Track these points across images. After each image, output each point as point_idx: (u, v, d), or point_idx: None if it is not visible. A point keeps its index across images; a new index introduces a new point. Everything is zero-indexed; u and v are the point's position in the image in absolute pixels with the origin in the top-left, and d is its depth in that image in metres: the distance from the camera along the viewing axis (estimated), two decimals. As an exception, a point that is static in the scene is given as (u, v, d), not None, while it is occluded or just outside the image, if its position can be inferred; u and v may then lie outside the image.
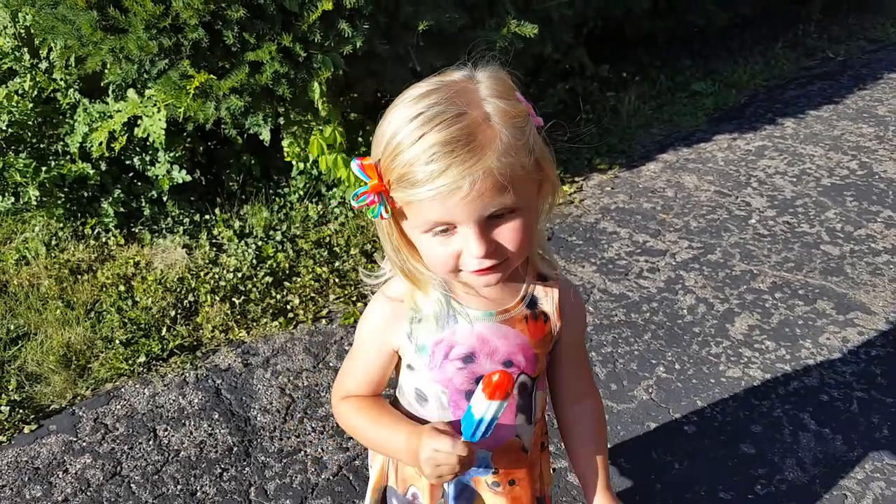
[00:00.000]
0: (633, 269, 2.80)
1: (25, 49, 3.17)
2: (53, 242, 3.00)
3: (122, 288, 2.72)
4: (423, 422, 1.09)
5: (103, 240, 3.04)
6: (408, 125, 0.87)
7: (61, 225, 3.06)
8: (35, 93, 3.09)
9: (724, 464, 1.96)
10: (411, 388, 1.12)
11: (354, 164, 0.90)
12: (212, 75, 2.51)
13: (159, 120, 2.82)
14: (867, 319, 2.47)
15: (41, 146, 3.09)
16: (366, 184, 0.89)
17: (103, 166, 3.04)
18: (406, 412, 1.15)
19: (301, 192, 3.27)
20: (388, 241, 0.99)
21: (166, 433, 2.14)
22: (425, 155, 0.84)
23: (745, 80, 4.66)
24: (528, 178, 0.90)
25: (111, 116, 3.00)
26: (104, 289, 2.74)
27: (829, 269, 2.74)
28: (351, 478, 1.96)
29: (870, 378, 2.22)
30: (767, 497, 1.86)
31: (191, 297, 2.67)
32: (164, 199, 3.13)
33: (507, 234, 0.91)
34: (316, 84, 2.58)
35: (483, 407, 0.95)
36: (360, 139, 3.13)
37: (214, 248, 2.95)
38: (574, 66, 4.20)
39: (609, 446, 2.02)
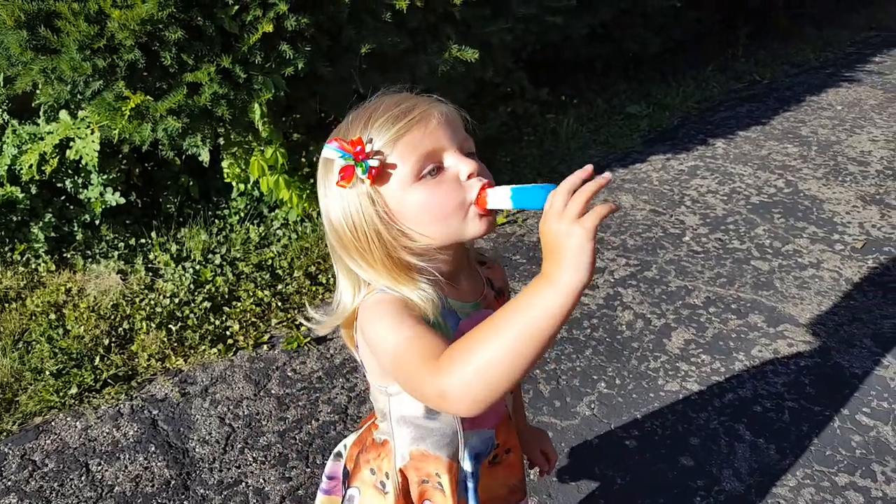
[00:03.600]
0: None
1: (-51, 69, 3.05)
2: (-21, 269, 2.88)
3: (52, 316, 2.63)
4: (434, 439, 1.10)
5: (33, 266, 2.93)
6: (359, 113, 0.98)
7: (-12, 251, 2.95)
8: (-41, 114, 2.98)
9: (665, 477, 2.00)
10: (419, 409, 1.07)
11: (332, 146, 0.94)
12: (148, 96, 2.46)
13: (92, 142, 2.75)
14: (796, 331, 2.56)
15: (-34, 169, 2.98)
16: (347, 152, 0.93)
17: (33, 189, 2.94)
18: (409, 438, 1.11)
19: (242, 214, 3.23)
20: (376, 220, 0.95)
21: (99, 468, 2.06)
22: (393, 103, 0.96)
23: (677, 102, 4.83)
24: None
25: (42, 138, 2.91)
26: (34, 317, 2.64)
27: (760, 283, 2.85)
28: (295, 505, 1.93)
29: (799, 388, 2.30)
30: (706, 508, 1.91)
31: (125, 325, 2.59)
32: (98, 222, 3.04)
33: (482, 166, 0.98)
34: (256, 105, 2.56)
35: (498, 198, 0.93)
36: (303, 160, 3.11)
37: (150, 273, 2.87)
38: (514, 90, 4.28)
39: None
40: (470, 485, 1.15)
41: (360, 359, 1.08)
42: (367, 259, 0.99)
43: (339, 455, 1.30)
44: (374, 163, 0.92)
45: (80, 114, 2.83)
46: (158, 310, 2.63)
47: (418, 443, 1.12)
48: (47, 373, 2.37)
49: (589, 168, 0.80)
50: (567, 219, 0.76)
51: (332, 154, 0.94)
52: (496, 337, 0.78)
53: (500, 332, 0.78)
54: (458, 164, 0.95)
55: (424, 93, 1.02)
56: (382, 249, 0.97)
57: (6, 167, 2.88)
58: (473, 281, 1.12)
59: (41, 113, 2.96)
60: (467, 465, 1.14)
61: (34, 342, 2.52)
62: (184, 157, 3.09)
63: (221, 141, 2.92)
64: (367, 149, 0.93)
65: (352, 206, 0.96)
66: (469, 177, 0.94)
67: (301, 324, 2.63)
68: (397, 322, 0.92)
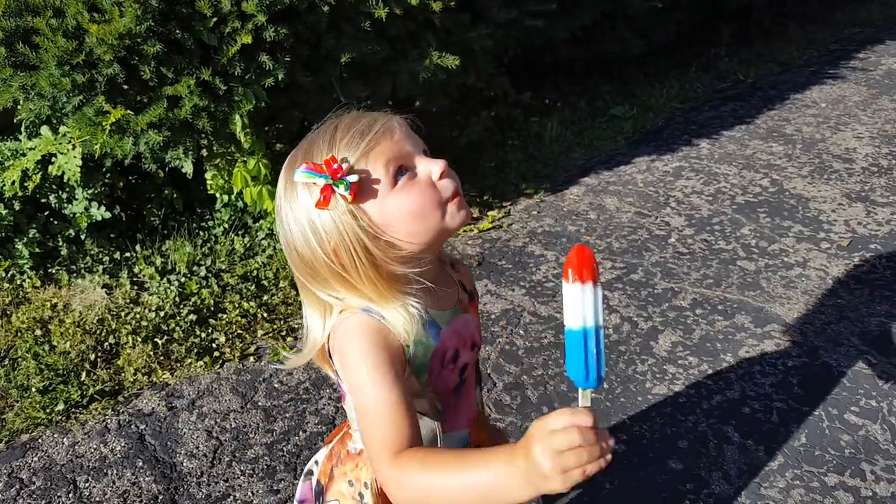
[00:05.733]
0: (560, 291, 2.85)
1: (-72, 86, 3.03)
2: (-38, 287, 2.86)
3: (38, 332, 2.61)
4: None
5: (18, 282, 2.91)
6: (316, 140, 0.97)
7: (-29, 268, 2.93)
8: (-60, 131, 2.96)
9: (654, 481, 2.00)
10: None
11: (302, 170, 0.93)
12: (129, 110, 2.45)
13: (74, 157, 2.74)
14: (783, 331, 2.57)
15: (-53, 187, 2.96)
16: (322, 172, 0.93)
17: (17, 206, 2.93)
18: None
19: (226, 225, 3.22)
20: (361, 235, 0.95)
21: (87, 484, 2.05)
22: (352, 120, 0.97)
23: (661, 103, 4.84)
24: None
25: (24, 154, 2.90)
26: (19, 334, 2.62)
27: (746, 283, 2.85)
28: (283, 519, 1.92)
29: (787, 388, 2.31)
30: (695, 511, 1.91)
31: (111, 339, 2.58)
32: (83, 237, 3.02)
33: (445, 164, 1.00)
34: (237, 117, 2.56)
35: (578, 306, 0.81)
36: (286, 170, 3.10)
37: (135, 287, 2.86)
38: (497, 94, 4.28)
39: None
40: None
41: (336, 369, 1.07)
42: (348, 282, 0.98)
43: (310, 473, 1.30)
44: (353, 178, 0.92)
45: (62, 129, 2.82)
46: (144, 323, 2.62)
47: None
48: (33, 389, 2.35)
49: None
50: (557, 467, 0.74)
51: (305, 178, 0.93)
52: (455, 489, 0.81)
53: (461, 487, 0.81)
54: (430, 166, 0.98)
55: (368, 108, 1.04)
56: (370, 264, 0.97)
57: (-12, 184, 2.86)
58: (449, 286, 1.13)
59: (23, 129, 2.95)
60: None
61: (20, 359, 2.50)
62: (167, 169, 3.07)
63: (204, 153, 2.92)
64: (344, 166, 0.93)
65: (330, 229, 0.95)
66: (441, 176, 0.98)
67: (287, 334, 2.63)
68: (379, 372, 0.93)
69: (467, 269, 1.24)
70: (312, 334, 1.05)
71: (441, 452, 0.89)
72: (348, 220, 0.94)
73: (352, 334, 0.97)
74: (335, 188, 0.92)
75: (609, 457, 0.77)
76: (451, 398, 1.13)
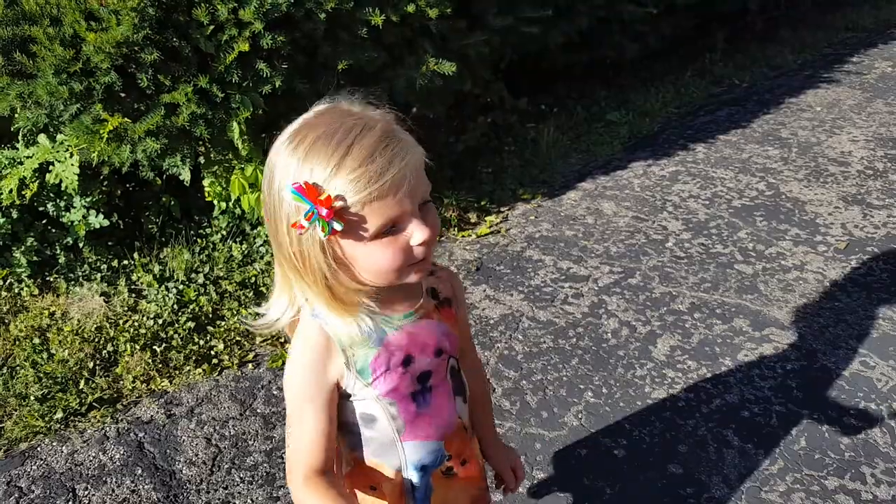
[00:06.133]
0: (558, 296, 2.86)
1: (-75, 95, 3.03)
2: (-40, 296, 2.85)
3: (36, 340, 2.61)
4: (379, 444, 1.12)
5: (16, 291, 2.91)
6: (329, 144, 0.90)
7: (-32, 277, 2.92)
8: (-64, 140, 2.96)
9: (654, 485, 2.00)
10: (354, 416, 1.11)
11: (298, 194, 0.89)
12: (126, 118, 2.46)
13: (72, 165, 2.74)
14: (781, 335, 2.58)
15: (-56, 196, 2.95)
16: (314, 204, 0.89)
17: (14, 214, 2.92)
18: (349, 445, 1.15)
19: (224, 232, 3.22)
20: (323, 266, 0.96)
21: (86, 492, 2.04)
22: (367, 151, 0.90)
23: (657, 108, 4.85)
24: None
25: (21, 163, 2.90)
26: (17, 342, 2.62)
27: (744, 287, 2.86)
28: (283, 526, 1.92)
29: (786, 392, 2.31)
30: (696, 515, 1.91)
31: (110, 347, 2.57)
32: (81, 245, 3.02)
33: (433, 219, 0.98)
34: (235, 124, 2.56)
35: None
36: (283, 177, 3.10)
37: (133, 295, 2.85)
38: (494, 100, 4.29)
39: (543, 476, 2.04)
40: (418, 496, 1.16)
41: None
42: (307, 283, 1.00)
43: None
44: (337, 227, 0.90)
45: (59, 137, 2.82)
46: (142, 331, 2.62)
47: (357, 450, 1.13)
48: (32, 398, 2.34)
49: None
50: None
51: (295, 200, 0.90)
52: None
53: None
54: (415, 230, 0.95)
55: (390, 108, 1.00)
56: (324, 286, 0.98)
57: (-15, 192, 2.86)
58: (409, 291, 1.11)
59: (20, 137, 2.95)
60: (411, 476, 1.15)
61: (18, 367, 2.50)
62: (164, 177, 3.07)
63: (202, 160, 2.92)
64: (338, 205, 0.90)
65: (296, 244, 0.95)
66: (421, 244, 0.96)
67: (285, 341, 2.62)
68: (310, 399, 1.04)
69: (449, 274, 1.22)
70: (273, 312, 1.09)
71: (340, 497, 0.99)
72: (316, 252, 0.94)
73: (300, 350, 1.06)
74: (317, 224, 0.90)
75: None
76: (409, 404, 1.11)
